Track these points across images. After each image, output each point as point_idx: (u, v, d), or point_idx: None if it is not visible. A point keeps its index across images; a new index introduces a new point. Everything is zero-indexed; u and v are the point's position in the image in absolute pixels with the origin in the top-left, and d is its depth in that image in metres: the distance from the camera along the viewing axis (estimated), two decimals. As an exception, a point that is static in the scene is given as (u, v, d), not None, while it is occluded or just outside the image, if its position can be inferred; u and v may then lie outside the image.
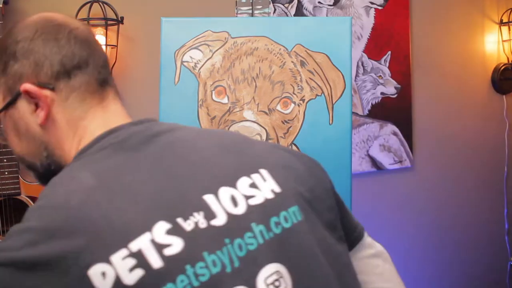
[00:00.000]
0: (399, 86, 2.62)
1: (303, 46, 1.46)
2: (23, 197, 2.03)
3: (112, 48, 2.23)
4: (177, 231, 0.69)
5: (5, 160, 1.97)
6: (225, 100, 1.45)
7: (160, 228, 0.68)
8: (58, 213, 0.70)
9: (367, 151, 2.60)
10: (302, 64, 1.46)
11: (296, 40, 1.46)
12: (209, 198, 0.74)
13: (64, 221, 0.68)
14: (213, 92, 1.46)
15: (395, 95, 2.63)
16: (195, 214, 0.71)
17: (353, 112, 2.57)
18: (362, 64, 2.57)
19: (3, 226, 1.99)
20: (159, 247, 0.67)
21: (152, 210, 0.70)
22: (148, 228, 0.68)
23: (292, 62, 1.46)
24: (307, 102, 1.45)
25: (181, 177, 0.75)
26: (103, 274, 0.64)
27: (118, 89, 2.53)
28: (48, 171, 0.85)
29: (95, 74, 0.86)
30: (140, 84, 2.33)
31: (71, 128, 0.83)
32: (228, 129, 1.43)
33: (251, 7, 2.40)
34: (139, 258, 0.66)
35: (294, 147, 1.44)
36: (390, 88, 2.61)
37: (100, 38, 2.20)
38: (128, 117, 0.89)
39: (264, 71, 1.44)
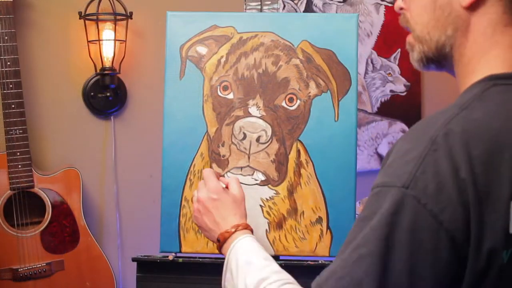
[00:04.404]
0: (408, 83, 2.60)
1: (309, 43, 1.45)
2: (36, 189, 2.05)
3: (121, 43, 2.24)
4: None
5: (18, 154, 1.99)
6: (230, 96, 1.44)
7: None
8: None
9: (376, 148, 2.59)
10: (308, 60, 1.45)
11: (302, 36, 1.46)
12: None
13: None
14: (218, 87, 1.45)
15: (405, 93, 2.61)
16: None
17: (362, 110, 2.56)
18: (372, 62, 2.55)
19: (17, 219, 2.01)
20: None
21: None
22: None
23: (298, 58, 1.45)
24: (312, 99, 1.45)
25: None
26: None
27: (126, 84, 2.52)
28: (438, 51, 0.86)
29: None
30: (149, 78, 2.34)
31: (489, 27, 0.81)
32: (233, 125, 1.43)
33: (260, 3, 2.40)
34: None
35: (299, 144, 1.44)
36: (400, 86, 2.60)
37: (109, 33, 2.21)
38: None
39: (269, 67, 1.44)
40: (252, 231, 1.10)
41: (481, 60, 0.83)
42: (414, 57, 0.91)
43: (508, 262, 0.72)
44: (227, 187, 1.17)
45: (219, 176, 1.20)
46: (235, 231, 1.08)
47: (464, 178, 0.70)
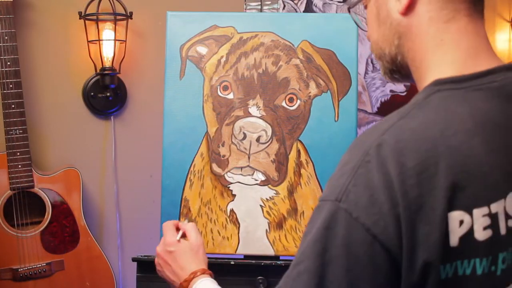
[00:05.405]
0: (408, 83, 2.60)
1: (310, 43, 1.46)
2: (36, 189, 2.05)
3: (121, 43, 2.24)
4: None
5: (18, 154, 1.99)
6: (231, 96, 1.44)
7: (511, 198, 0.71)
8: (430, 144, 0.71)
9: (376, 149, 2.59)
10: (308, 60, 1.45)
11: (302, 36, 1.46)
12: None
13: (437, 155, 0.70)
14: (219, 87, 1.45)
15: (405, 93, 2.61)
16: None
17: (362, 110, 2.56)
18: (372, 62, 2.55)
19: (17, 219, 2.00)
20: (507, 217, 0.71)
21: (509, 176, 0.71)
22: (505, 194, 0.71)
23: (298, 58, 1.45)
24: (312, 99, 1.45)
25: None
26: (461, 222, 0.68)
27: (126, 84, 2.51)
28: (394, 62, 0.86)
29: None
30: (149, 78, 2.34)
31: (431, 26, 0.81)
32: (233, 125, 1.43)
33: (260, 3, 2.40)
34: (493, 220, 0.70)
35: (299, 144, 1.44)
36: (400, 86, 2.60)
37: (109, 33, 2.21)
38: (491, 49, 0.84)
39: (270, 67, 1.44)
40: (211, 274, 1.12)
41: (430, 62, 0.81)
42: (382, 73, 0.91)
43: (453, 276, 0.69)
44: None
45: (177, 225, 1.21)
46: (193, 277, 1.10)
47: (396, 191, 0.68)
